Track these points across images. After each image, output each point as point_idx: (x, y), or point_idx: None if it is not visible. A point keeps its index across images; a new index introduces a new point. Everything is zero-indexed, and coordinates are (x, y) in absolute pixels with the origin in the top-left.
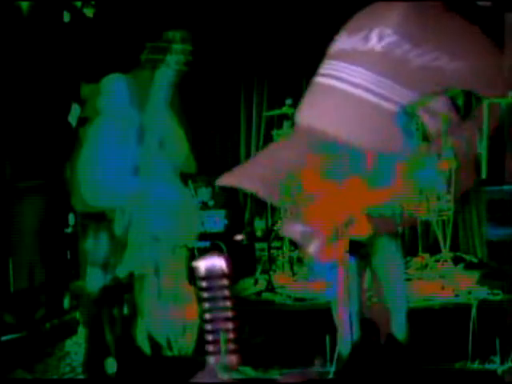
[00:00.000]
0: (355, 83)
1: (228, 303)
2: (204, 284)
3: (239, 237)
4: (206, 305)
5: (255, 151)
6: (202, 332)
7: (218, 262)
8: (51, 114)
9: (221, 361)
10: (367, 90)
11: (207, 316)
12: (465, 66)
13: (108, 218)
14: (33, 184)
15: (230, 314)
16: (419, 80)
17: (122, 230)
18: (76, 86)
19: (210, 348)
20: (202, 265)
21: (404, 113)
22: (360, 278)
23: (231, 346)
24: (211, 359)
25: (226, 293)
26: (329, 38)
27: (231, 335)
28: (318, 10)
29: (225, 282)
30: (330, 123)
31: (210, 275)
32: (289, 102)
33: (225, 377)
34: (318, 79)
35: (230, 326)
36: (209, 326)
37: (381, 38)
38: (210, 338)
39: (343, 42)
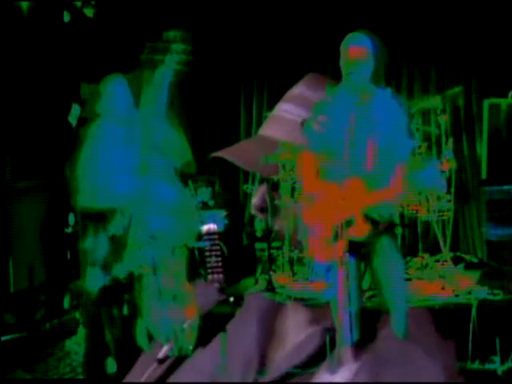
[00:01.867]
0: (289, 111)
1: (218, 247)
2: (205, 237)
3: None
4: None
5: None
6: (201, 332)
7: (212, 226)
8: (51, 114)
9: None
10: (292, 113)
11: (207, 253)
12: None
13: (108, 218)
14: (33, 184)
15: (219, 252)
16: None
17: (122, 230)
18: (76, 86)
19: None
20: (204, 228)
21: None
22: (360, 278)
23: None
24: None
25: (217, 242)
26: (328, 40)
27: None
28: (317, 12)
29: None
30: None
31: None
32: None
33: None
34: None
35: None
36: (208, 259)
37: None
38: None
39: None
